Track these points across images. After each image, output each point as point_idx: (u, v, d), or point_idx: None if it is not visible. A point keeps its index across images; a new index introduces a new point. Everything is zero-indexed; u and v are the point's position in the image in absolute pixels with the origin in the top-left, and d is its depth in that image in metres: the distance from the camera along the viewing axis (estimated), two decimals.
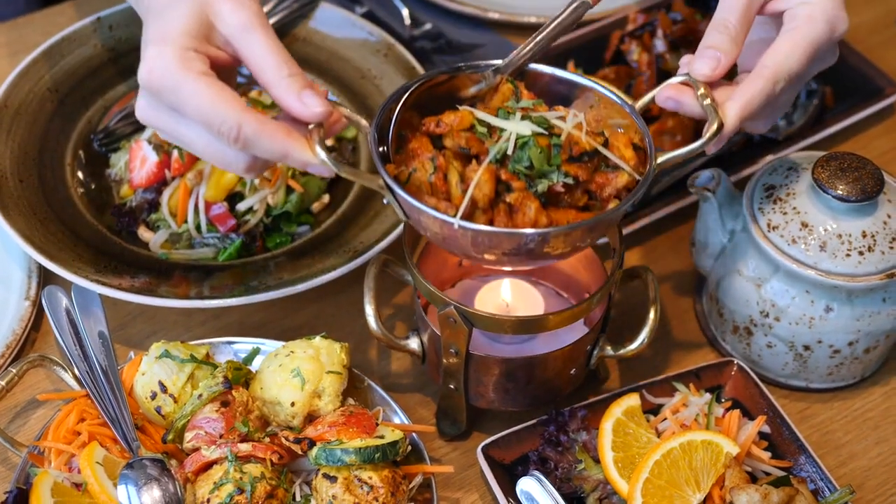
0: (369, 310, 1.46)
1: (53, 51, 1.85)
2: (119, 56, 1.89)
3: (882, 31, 2.16)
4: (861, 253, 1.47)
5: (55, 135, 1.79)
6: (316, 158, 1.25)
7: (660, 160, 1.30)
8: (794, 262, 1.48)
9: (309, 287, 1.59)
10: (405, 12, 2.07)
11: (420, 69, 1.87)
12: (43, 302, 1.54)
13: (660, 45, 1.92)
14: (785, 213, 1.51)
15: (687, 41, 1.94)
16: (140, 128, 1.82)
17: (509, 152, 1.28)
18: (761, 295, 1.53)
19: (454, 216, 1.24)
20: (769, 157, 1.81)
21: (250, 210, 1.71)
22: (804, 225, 1.49)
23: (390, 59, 1.89)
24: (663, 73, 1.90)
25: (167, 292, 1.58)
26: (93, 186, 1.78)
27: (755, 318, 1.55)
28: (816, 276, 1.47)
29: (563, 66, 1.77)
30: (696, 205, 1.64)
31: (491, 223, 1.27)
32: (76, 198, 1.73)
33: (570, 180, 1.29)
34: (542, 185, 1.28)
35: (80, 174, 1.77)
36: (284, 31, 1.95)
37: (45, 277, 1.67)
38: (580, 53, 1.97)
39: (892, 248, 1.48)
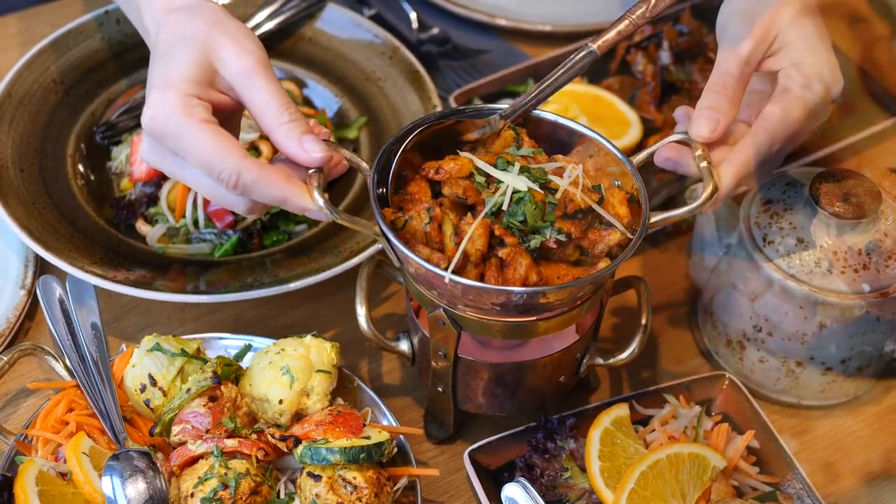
0: (361, 310, 1.46)
1: (60, 43, 1.86)
2: (125, 50, 1.89)
3: (890, 48, 2.15)
4: (856, 271, 1.46)
5: (58, 126, 1.80)
6: (314, 205, 1.27)
7: (653, 220, 1.32)
8: (789, 278, 1.48)
9: (304, 285, 1.59)
10: (413, 16, 2.07)
11: (424, 73, 1.87)
12: (37, 291, 1.55)
13: (665, 56, 1.92)
14: (781, 229, 1.50)
15: (693, 54, 1.94)
16: None
17: (504, 207, 1.29)
18: (755, 309, 1.53)
19: (446, 268, 1.25)
20: None
21: None
22: (800, 241, 1.49)
23: (395, 62, 1.90)
24: (668, 84, 1.90)
25: (162, 286, 1.59)
26: (93, 179, 1.78)
27: (748, 332, 1.55)
28: (810, 293, 1.47)
29: None
30: (694, 217, 1.64)
31: (482, 277, 1.29)
32: (76, 189, 1.74)
33: (562, 237, 1.30)
34: (534, 241, 1.29)
35: (80, 166, 1.78)
36: (290, 31, 1.96)
37: (42, 267, 1.68)
38: None
39: (887, 266, 1.47)
